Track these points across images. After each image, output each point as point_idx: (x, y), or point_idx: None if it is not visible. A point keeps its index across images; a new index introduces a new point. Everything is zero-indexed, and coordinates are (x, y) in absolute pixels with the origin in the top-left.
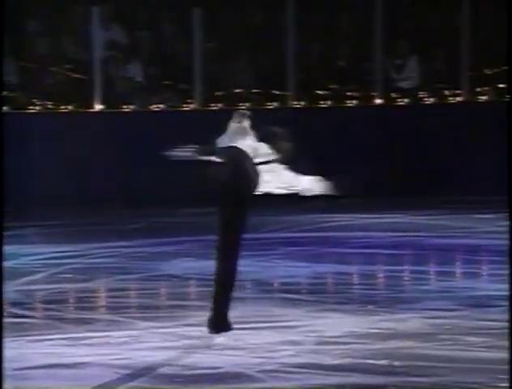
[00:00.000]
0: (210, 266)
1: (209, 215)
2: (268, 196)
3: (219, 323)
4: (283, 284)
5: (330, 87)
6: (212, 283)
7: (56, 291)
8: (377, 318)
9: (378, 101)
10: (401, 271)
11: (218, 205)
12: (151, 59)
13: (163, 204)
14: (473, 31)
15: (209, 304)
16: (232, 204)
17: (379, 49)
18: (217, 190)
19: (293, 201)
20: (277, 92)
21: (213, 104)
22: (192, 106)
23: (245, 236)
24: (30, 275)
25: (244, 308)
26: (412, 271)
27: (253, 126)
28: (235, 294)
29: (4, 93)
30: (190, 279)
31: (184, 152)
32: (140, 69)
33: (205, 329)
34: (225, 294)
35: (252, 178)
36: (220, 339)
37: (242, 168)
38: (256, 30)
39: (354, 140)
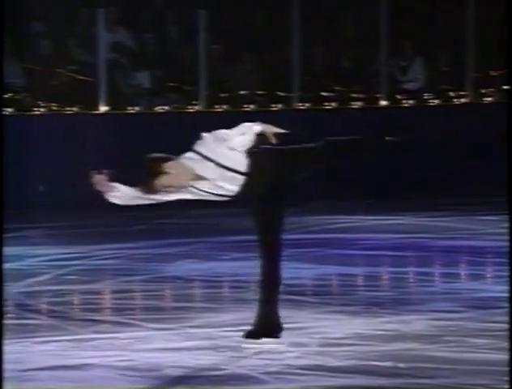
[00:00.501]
0: (214, 267)
1: (213, 216)
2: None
3: (271, 327)
4: (288, 285)
5: (335, 88)
6: (217, 284)
7: (61, 292)
8: (382, 319)
9: (383, 103)
10: (405, 273)
11: (257, 205)
12: (155, 61)
13: (167, 206)
14: (478, 32)
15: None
16: (273, 203)
17: (384, 51)
18: (255, 191)
19: (299, 202)
20: (282, 94)
21: (218, 106)
22: (197, 108)
23: (251, 237)
24: (35, 277)
25: (249, 309)
26: (417, 273)
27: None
28: (248, 296)
29: (9, 95)
30: (195, 280)
31: None
32: (145, 71)
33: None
34: (274, 298)
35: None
36: (225, 340)
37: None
38: (260, 31)
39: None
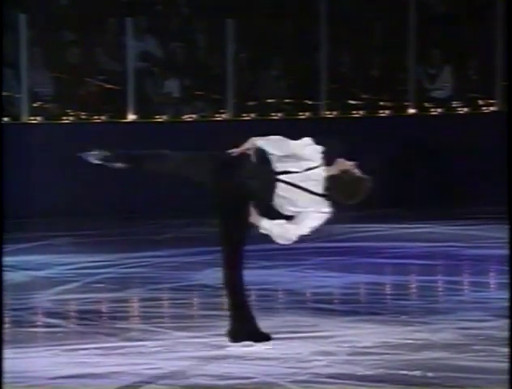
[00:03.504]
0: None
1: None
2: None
3: (244, 333)
4: (315, 294)
5: (363, 96)
6: (246, 292)
7: (89, 300)
8: (411, 328)
9: (411, 111)
10: (434, 282)
11: (218, 215)
12: (183, 69)
13: (193, 214)
14: (507, 40)
15: (229, 315)
16: (232, 215)
17: (412, 59)
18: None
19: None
20: (309, 102)
21: (245, 114)
22: (224, 116)
23: (277, 246)
24: (63, 285)
25: (276, 318)
26: (446, 282)
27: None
28: (253, 303)
29: (38, 104)
30: (223, 288)
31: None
32: (173, 79)
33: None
34: (241, 304)
35: (255, 187)
36: (252, 348)
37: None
38: (288, 40)
39: (380, 150)
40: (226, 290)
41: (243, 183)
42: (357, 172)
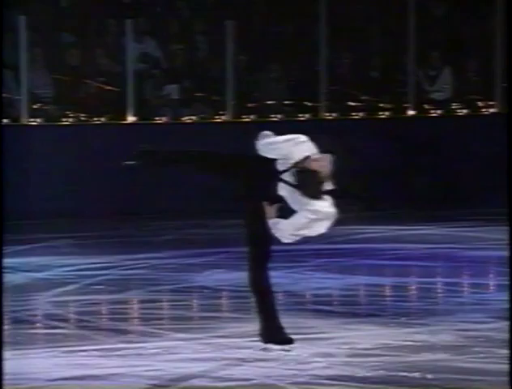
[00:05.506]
0: (241, 277)
1: (239, 226)
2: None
3: (273, 334)
4: (314, 295)
5: (363, 98)
6: (245, 294)
7: (88, 302)
8: (410, 330)
9: (411, 113)
10: (433, 283)
11: (245, 216)
12: (183, 71)
13: (193, 216)
14: (507, 41)
15: (258, 317)
16: (259, 215)
17: (412, 61)
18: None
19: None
20: (309, 104)
21: (245, 116)
22: (224, 118)
23: (277, 247)
24: (63, 287)
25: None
26: (445, 283)
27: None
28: (253, 304)
29: (38, 105)
30: (222, 290)
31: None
32: (173, 81)
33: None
34: (266, 304)
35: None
36: (251, 350)
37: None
38: (288, 42)
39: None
40: (251, 291)
41: (269, 183)
42: (324, 170)
